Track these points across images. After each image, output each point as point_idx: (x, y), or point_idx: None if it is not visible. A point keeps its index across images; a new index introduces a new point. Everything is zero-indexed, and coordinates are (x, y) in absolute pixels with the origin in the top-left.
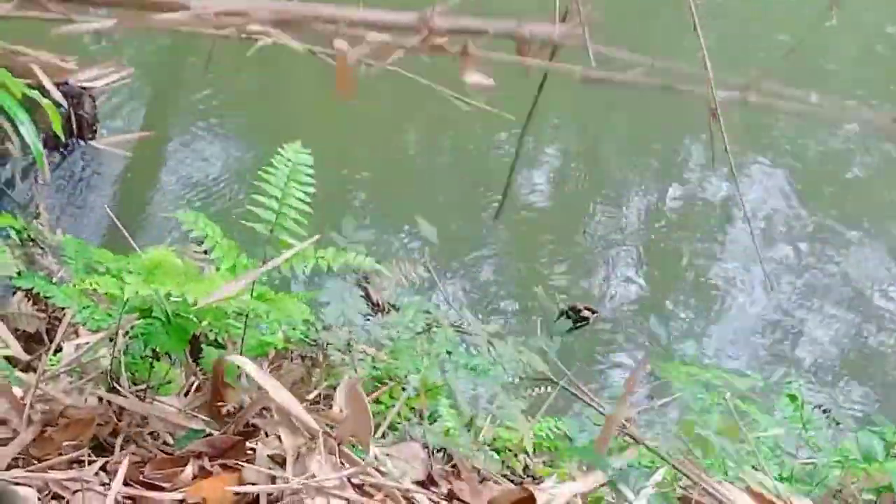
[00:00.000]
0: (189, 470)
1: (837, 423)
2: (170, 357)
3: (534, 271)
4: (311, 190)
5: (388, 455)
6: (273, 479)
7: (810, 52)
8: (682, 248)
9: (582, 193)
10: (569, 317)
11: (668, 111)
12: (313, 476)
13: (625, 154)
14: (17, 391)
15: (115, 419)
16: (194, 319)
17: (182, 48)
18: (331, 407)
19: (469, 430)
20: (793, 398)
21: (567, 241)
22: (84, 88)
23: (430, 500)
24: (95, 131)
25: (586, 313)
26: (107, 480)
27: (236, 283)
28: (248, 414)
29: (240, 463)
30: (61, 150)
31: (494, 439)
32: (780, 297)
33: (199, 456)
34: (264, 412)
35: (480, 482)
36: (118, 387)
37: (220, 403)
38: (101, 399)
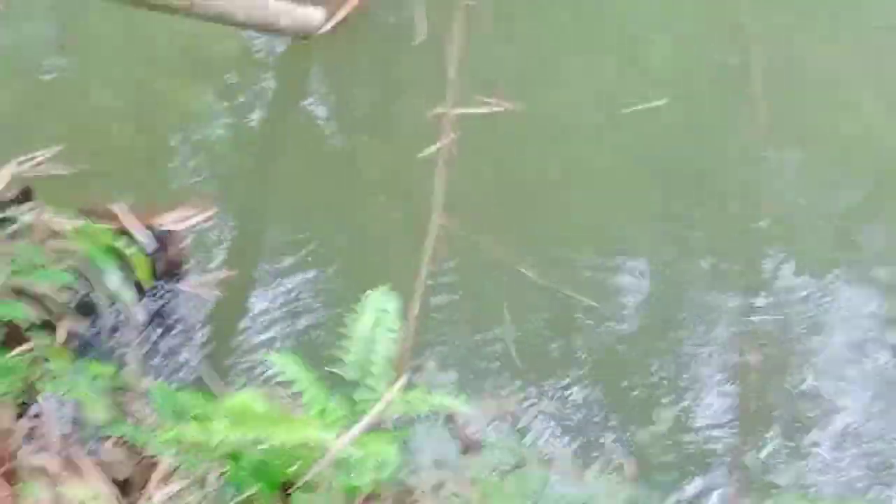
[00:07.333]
0: None
1: None
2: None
3: (625, 405)
4: (397, 335)
5: None
6: None
7: None
8: (773, 369)
9: (669, 316)
10: None
11: (745, 227)
12: None
13: (707, 277)
14: None
15: None
16: (284, 464)
17: (265, 186)
18: None
19: None
20: None
21: (658, 367)
22: (169, 231)
23: None
24: (181, 273)
25: None
26: None
27: (347, 437)
28: None
29: None
30: (148, 294)
31: None
32: (880, 414)
33: None
34: None
35: None
36: None
37: None
38: None
